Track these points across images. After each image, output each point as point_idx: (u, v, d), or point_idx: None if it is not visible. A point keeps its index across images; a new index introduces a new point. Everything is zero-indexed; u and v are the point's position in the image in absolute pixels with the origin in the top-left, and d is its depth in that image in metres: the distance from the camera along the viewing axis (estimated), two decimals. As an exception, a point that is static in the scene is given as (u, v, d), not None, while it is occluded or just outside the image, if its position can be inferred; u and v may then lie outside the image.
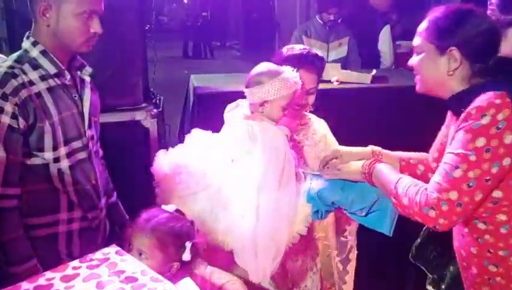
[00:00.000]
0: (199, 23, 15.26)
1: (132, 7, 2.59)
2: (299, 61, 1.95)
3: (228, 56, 14.87)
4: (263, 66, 1.85)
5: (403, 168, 1.87)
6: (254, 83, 1.81)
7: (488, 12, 1.95)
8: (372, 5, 4.78)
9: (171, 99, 3.73)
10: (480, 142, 1.40)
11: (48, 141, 1.66)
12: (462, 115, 1.47)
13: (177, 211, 1.66)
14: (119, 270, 1.28)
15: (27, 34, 1.73)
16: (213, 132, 1.94)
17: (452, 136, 1.53)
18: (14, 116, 1.58)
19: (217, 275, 1.66)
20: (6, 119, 1.57)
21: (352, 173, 1.78)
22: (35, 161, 1.67)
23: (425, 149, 1.90)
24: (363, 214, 1.80)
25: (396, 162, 1.88)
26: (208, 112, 2.57)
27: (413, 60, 1.66)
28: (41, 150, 1.66)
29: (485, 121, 1.40)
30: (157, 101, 2.98)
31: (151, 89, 3.09)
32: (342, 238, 2.25)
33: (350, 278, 2.29)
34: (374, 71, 3.17)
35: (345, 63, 4.00)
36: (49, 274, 1.26)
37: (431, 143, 1.88)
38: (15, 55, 1.71)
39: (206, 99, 2.70)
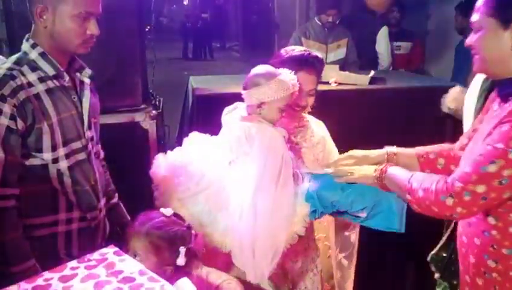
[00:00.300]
0: (199, 24, 15.29)
1: (131, 8, 2.59)
2: (300, 63, 1.95)
3: (228, 57, 14.89)
4: (260, 68, 1.87)
5: (422, 165, 1.80)
6: (252, 84, 1.82)
7: None
8: (370, 6, 4.80)
9: (171, 101, 3.74)
10: None
11: (46, 142, 1.67)
12: (510, 108, 1.40)
13: (175, 215, 1.67)
14: (117, 270, 1.29)
15: (26, 36, 1.73)
16: (212, 134, 1.96)
17: (493, 126, 1.44)
18: (12, 118, 1.59)
19: (214, 275, 1.67)
20: (5, 121, 1.58)
21: (365, 177, 1.73)
22: (34, 161, 1.67)
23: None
24: (365, 215, 1.78)
25: (414, 159, 1.81)
26: (207, 113, 2.57)
27: (472, 39, 1.54)
28: (40, 150, 1.67)
29: None
30: (157, 103, 2.98)
31: (151, 90, 3.09)
32: (346, 233, 2.25)
33: (352, 273, 2.30)
34: (372, 73, 3.17)
35: (343, 65, 4.02)
36: (47, 274, 1.27)
37: (429, 144, 1.88)
38: (14, 57, 1.72)
39: (205, 101, 2.70)
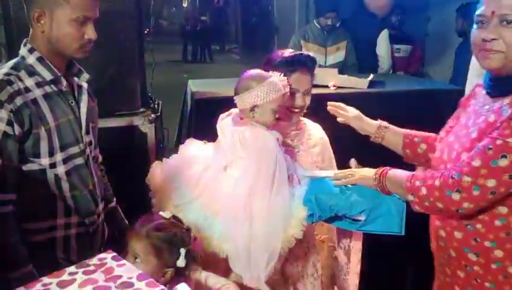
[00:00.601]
0: (198, 27, 15.32)
1: (130, 11, 2.59)
2: (293, 65, 1.97)
3: (227, 60, 14.91)
4: (251, 73, 1.88)
5: (405, 144, 1.85)
6: (243, 88, 1.83)
7: None
8: (370, 9, 4.80)
9: (170, 103, 3.73)
10: None
11: (43, 147, 1.66)
12: None
13: (174, 217, 1.68)
14: (116, 275, 1.28)
15: (24, 40, 1.73)
16: (211, 137, 1.96)
17: (501, 120, 1.41)
18: (9, 123, 1.58)
19: (212, 280, 1.67)
20: (2, 126, 1.58)
21: (365, 179, 1.73)
22: (32, 166, 1.67)
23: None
24: (364, 218, 1.76)
25: (400, 137, 1.86)
26: (206, 117, 2.57)
27: (493, 32, 1.44)
28: (38, 156, 1.66)
29: None
30: (156, 106, 2.98)
31: (150, 94, 3.09)
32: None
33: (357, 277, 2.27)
34: (372, 76, 3.16)
35: (342, 67, 4.02)
36: (45, 280, 1.26)
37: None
38: (12, 62, 1.71)
39: (204, 104, 2.70)
